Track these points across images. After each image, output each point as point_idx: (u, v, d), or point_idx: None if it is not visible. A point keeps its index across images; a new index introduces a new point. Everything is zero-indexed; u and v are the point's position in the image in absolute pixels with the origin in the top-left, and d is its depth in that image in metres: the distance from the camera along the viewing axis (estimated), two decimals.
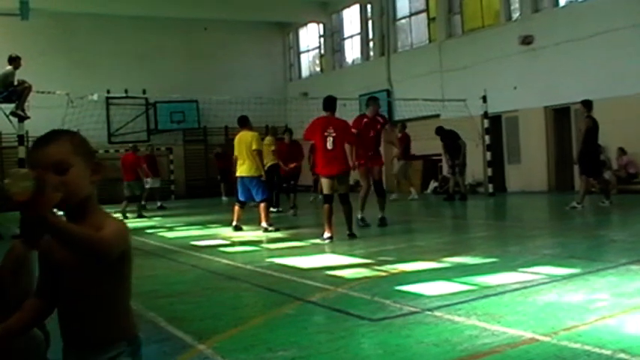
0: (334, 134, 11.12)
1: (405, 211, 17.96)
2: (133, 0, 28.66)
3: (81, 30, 30.49)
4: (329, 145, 11.12)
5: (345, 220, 11.39)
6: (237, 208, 13.89)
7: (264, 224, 13.38)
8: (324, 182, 11.29)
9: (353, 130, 12.09)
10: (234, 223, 13.82)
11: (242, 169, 13.63)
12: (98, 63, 30.16)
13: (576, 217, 13.80)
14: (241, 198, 13.85)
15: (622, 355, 4.17)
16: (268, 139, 18.29)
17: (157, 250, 11.57)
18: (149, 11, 29.74)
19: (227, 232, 13.71)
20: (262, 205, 13.51)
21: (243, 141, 13.70)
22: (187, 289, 7.62)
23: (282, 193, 19.13)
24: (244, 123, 14.25)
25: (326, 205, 11.18)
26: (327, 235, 11.06)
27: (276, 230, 13.30)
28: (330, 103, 11.61)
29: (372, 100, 13.60)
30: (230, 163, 15.50)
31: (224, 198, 25.72)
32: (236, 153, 13.84)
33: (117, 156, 25.12)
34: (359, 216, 13.06)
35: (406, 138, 21.75)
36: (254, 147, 13.57)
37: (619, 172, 19.40)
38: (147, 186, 20.87)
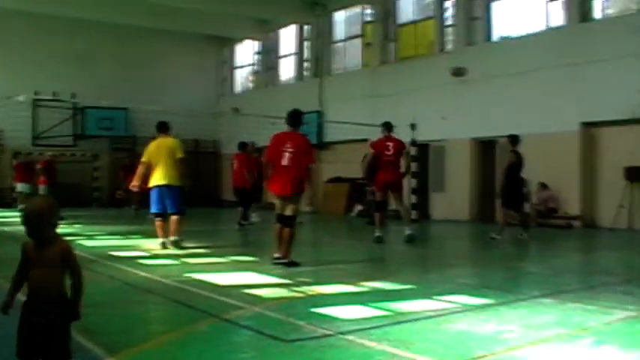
0: (291, 150, 10.21)
1: (328, 234, 18.03)
2: (67, 2, 28.14)
3: (11, 28, 29.85)
4: (284, 162, 10.21)
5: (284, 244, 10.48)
6: (158, 223, 12.72)
7: (173, 238, 12.55)
8: (276, 202, 10.54)
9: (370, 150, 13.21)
10: (161, 240, 12.64)
11: (160, 178, 12.44)
12: (27, 63, 29.57)
13: (495, 248, 14.06)
14: (158, 210, 12.65)
15: None
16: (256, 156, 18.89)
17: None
18: (84, 14, 29.34)
19: (148, 243, 13.36)
20: (176, 217, 12.58)
21: (164, 147, 12.57)
22: (102, 300, 7.46)
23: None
24: (165, 128, 13.04)
25: (277, 226, 10.45)
26: (275, 255, 10.45)
27: (183, 248, 12.51)
28: (293, 117, 10.62)
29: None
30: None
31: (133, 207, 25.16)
32: (151, 160, 12.61)
33: (39, 159, 24.60)
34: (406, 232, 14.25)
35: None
36: (179, 155, 12.55)
37: (539, 207, 19.86)
38: (18, 190, 20.87)
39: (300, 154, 10.29)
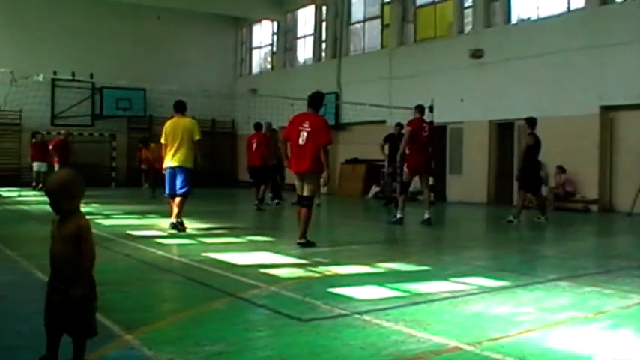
0: (308, 129, 10.33)
1: (345, 215, 18.06)
2: None
3: (31, 8, 29.98)
4: (301, 141, 10.33)
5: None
6: (170, 203, 12.59)
7: (174, 220, 12.26)
8: (295, 182, 10.66)
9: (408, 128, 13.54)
10: (173, 220, 12.35)
11: (175, 159, 12.27)
12: (46, 43, 29.71)
13: (511, 231, 14.03)
14: (171, 191, 12.46)
15: None
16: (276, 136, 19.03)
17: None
18: None
19: (165, 223, 13.21)
20: (180, 199, 12.30)
21: (181, 128, 12.32)
22: (119, 278, 7.52)
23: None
24: (182, 108, 12.72)
25: (298, 208, 10.64)
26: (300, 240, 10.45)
27: (181, 230, 12.19)
28: (314, 99, 10.73)
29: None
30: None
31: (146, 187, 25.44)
32: (167, 141, 12.41)
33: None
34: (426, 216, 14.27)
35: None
36: (197, 137, 12.43)
37: (557, 190, 19.79)
38: (34, 169, 20.94)
39: (317, 133, 10.35)
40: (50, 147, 21.61)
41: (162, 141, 12.56)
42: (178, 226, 12.18)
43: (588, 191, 19.65)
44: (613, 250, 11.61)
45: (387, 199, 20.17)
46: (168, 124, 12.58)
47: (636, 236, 14.40)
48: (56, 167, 21.36)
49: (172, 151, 12.29)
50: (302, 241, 10.31)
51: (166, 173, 12.49)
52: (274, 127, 20.29)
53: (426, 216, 14.30)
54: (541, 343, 4.87)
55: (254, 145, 18.66)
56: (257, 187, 18.63)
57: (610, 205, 19.43)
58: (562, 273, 8.12)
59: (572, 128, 19.51)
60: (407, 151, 14.51)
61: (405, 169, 14.43)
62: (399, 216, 14.26)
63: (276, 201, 19.70)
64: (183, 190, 12.29)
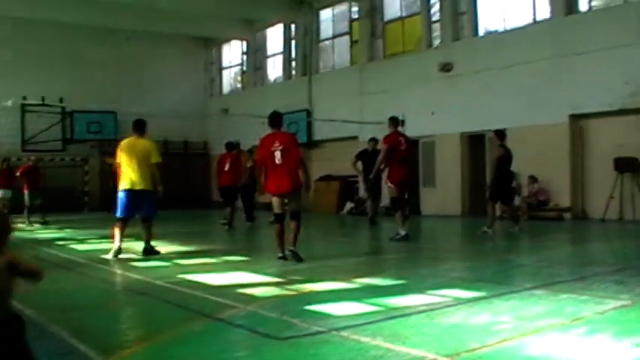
0: (280, 147, 10.54)
1: (320, 231, 18.04)
2: (54, 6, 28.01)
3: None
4: (277, 160, 10.52)
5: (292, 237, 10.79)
6: (119, 226, 11.69)
7: (149, 244, 11.88)
8: (274, 201, 10.74)
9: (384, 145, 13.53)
10: (116, 246, 11.56)
11: (139, 182, 11.56)
12: (15, 68, 29.50)
13: (487, 242, 14.08)
14: (127, 214, 11.78)
15: None
16: (246, 156, 18.87)
17: (66, 262, 11.30)
18: (71, 18, 29.21)
19: (139, 246, 13.18)
20: (148, 223, 11.91)
21: (140, 149, 11.68)
22: (95, 303, 7.46)
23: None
24: (142, 128, 12.01)
25: (277, 225, 10.74)
26: (280, 255, 10.69)
27: (156, 253, 11.85)
28: (274, 118, 11.01)
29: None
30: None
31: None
32: (123, 161, 11.67)
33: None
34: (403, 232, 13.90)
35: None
36: (155, 159, 11.71)
37: (530, 199, 19.93)
38: None
39: (289, 149, 10.64)
40: (18, 173, 21.29)
41: (117, 160, 11.82)
42: (152, 251, 11.84)
43: (561, 199, 19.81)
44: (587, 257, 11.69)
45: (371, 220, 18.65)
46: (124, 144, 11.91)
47: (610, 243, 14.51)
48: (26, 194, 21.06)
49: (132, 174, 11.59)
50: (295, 249, 10.65)
51: (123, 194, 11.69)
52: (248, 147, 20.24)
53: (402, 232, 13.96)
54: (519, 352, 4.89)
55: (226, 165, 18.53)
56: (229, 206, 18.53)
57: (583, 212, 19.60)
58: (538, 281, 8.15)
59: (543, 137, 19.69)
60: (382, 168, 14.44)
61: (390, 184, 14.07)
62: (402, 233, 13.82)
63: (248, 222, 19.03)
64: (151, 213, 11.98)
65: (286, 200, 10.80)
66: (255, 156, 19.05)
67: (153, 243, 12.05)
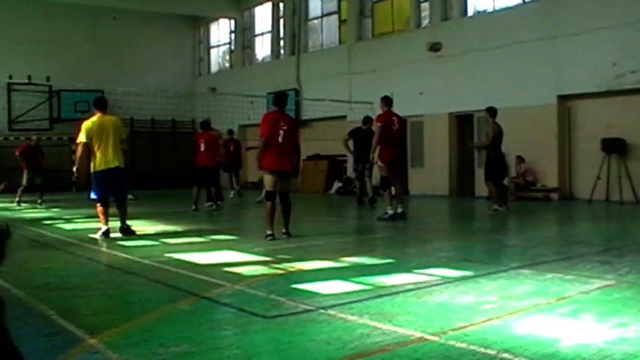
0: (285, 127, 10.85)
1: (308, 211, 18.06)
2: None
3: None
4: (280, 139, 10.78)
5: (282, 218, 11.16)
6: (102, 208, 11.58)
7: (127, 224, 11.78)
8: (269, 179, 10.86)
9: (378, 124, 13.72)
10: (104, 228, 11.53)
11: (114, 160, 11.41)
12: (1, 47, 29.20)
13: (475, 222, 14.16)
14: (104, 195, 11.59)
15: (505, 355, 4.30)
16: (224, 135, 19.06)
17: (54, 242, 11.26)
18: None
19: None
20: (123, 201, 11.86)
21: (110, 126, 11.48)
22: (82, 282, 7.45)
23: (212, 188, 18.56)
24: (105, 105, 11.90)
25: (268, 203, 10.88)
26: (268, 232, 10.79)
27: (133, 233, 11.79)
28: (280, 98, 11.26)
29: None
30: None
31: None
32: (92, 140, 11.36)
33: (16, 144, 24.29)
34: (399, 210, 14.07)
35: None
36: (124, 135, 11.77)
37: (517, 180, 20.00)
38: None
39: (292, 131, 11.02)
40: (16, 153, 21.11)
41: (84, 140, 11.39)
42: (129, 230, 11.73)
43: (548, 180, 19.89)
44: (574, 237, 11.76)
45: (371, 200, 18.07)
46: (92, 122, 11.54)
47: (596, 223, 14.62)
48: (25, 174, 20.83)
49: (105, 151, 11.38)
50: (288, 231, 11.13)
51: (99, 175, 11.48)
52: (236, 126, 20.18)
53: (400, 209, 14.12)
54: (505, 331, 4.92)
55: (202, 145, 17.95)
56: (211, 188, 18.23)
57: (570, 192, 19.69)
58: (524, 261, 8.21)
59: (531, 118, 19.73)
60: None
61: (380, 163, 14.03)
62: (390, 212, 13.90)
63: (210, 203, 18.27)
64: (125, 191, 11.99)
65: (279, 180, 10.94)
66: (225, 136, 19.52)
67: (134, 222, 12.10)
